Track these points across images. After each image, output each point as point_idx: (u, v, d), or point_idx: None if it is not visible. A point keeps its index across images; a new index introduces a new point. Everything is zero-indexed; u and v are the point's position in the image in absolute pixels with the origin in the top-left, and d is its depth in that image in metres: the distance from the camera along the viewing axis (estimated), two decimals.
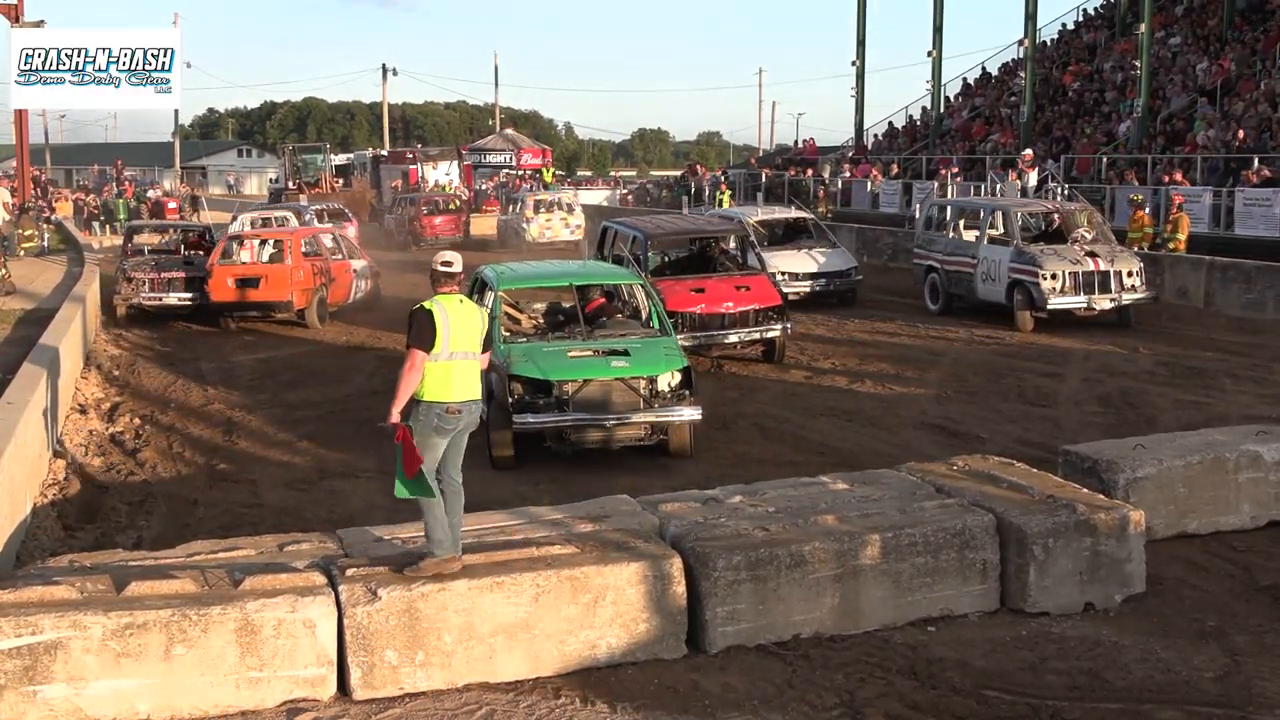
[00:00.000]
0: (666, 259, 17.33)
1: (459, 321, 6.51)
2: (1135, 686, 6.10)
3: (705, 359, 15.13)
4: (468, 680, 6.14)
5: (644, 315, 12.36)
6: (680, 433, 10.84)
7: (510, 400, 10.50)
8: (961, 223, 20.12)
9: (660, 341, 11.49)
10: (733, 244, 17.54)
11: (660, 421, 10.67)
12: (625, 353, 11.00)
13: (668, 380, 10.88)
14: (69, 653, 5.65)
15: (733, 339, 15.04)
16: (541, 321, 12.90)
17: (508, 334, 11.69)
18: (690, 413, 10.72)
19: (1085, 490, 7.73)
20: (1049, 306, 17.26)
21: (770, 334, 15.13)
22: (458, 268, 6.68)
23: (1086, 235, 18.46)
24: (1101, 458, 8.26)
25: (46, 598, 5.86)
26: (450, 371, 6.42)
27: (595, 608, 6.33)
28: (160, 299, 19.90)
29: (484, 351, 6.77)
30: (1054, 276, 17.26)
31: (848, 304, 20.21)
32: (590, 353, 11.06)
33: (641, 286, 12.82)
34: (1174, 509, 8.14)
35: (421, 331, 6.40)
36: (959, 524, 7.04)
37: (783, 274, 19.14)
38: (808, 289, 20.00)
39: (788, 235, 21.53)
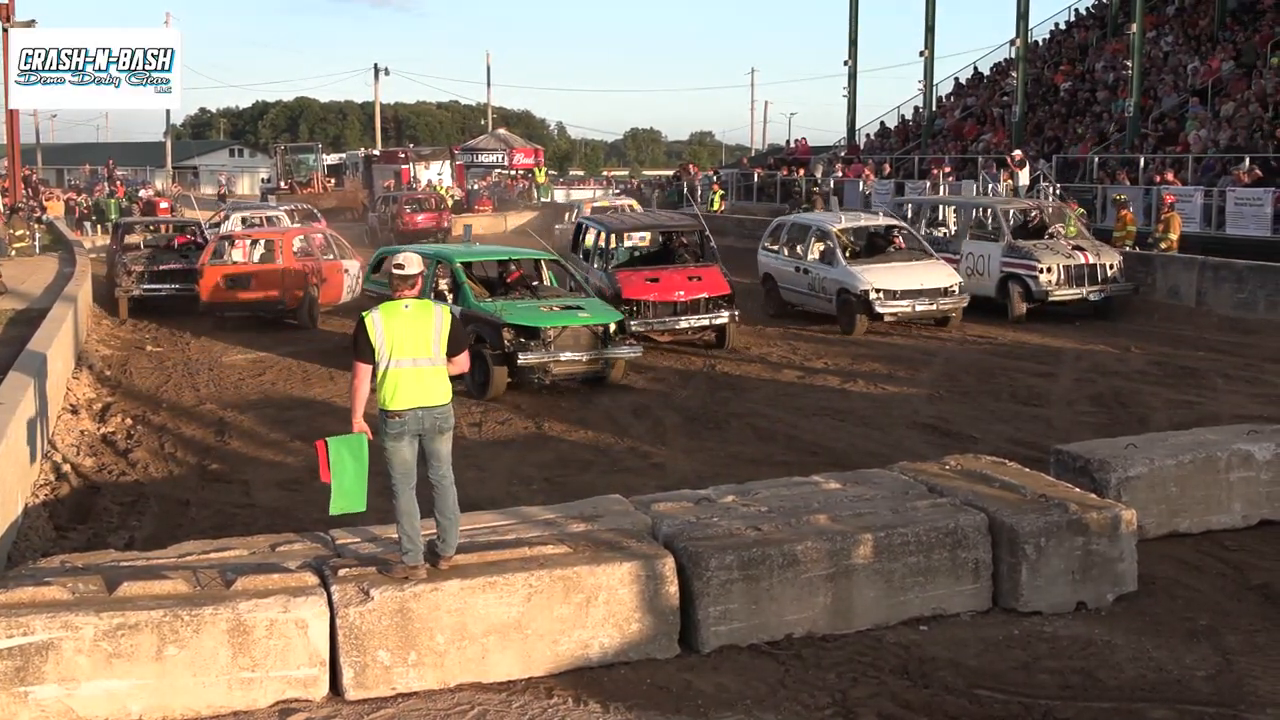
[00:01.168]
0: (636, 253, 18.75)
1: (400, 329, 6.42)
2: (1127, 685, 6.10)
3: (693, 352, 15.31)
4: (460, 680, 6.13)
5: (545, 280, 15.28)
6: (619, 367, 13.88)
7: (507, 343, 13.05)
8: (924, 220, 20.68)
9: (595, 300, 14.45)
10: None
11: (614, 356, 13.62)
12: (580, 308, 13.79)
13: (611, 328, 13.60)
14: (60, 653, 5.63)
15: (683, 325, 16.08)
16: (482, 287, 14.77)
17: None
18: (633, 350, 13.81)
19: (1077, 490, 7.73)
20: (1050, 299, 18.16)
21: (719, 321, 16.12)
22: (410, 270, 6.57)
23: (1062, 231, 19.20)
24: (1093, 457, 8.28)
25: (38, 598, 5.85)
26: (388, 379, 6.42)
27: (588, 607, 6.33)
28: (159, 290, 20.62)
29: (456, 354, 6.55)
30: (1050, 270, 18.21)
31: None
32: (552, 308, 13.74)
33: (555, 261, 15.78)
34: (1166, 508, 8.16)
35: (357, 343, 6.54)
36: (951, 523, 7.04)
37: (878, 292, 17.15)
38: (908, 308, 17.34)
39: (874, 245, 18.95)
